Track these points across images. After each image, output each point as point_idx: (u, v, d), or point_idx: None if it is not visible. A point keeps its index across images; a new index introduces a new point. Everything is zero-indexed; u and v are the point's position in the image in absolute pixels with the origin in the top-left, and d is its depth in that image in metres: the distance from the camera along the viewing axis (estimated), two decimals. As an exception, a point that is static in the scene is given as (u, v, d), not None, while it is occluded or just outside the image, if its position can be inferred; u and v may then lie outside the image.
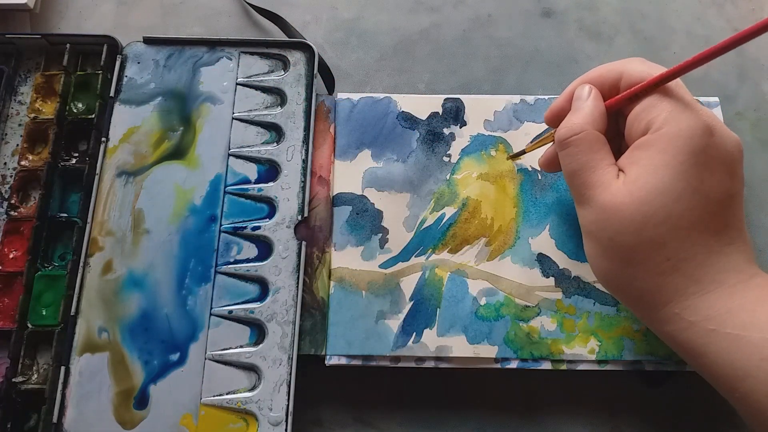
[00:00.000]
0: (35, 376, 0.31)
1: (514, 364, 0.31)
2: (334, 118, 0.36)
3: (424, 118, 0.36)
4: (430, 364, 0.31)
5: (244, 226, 0.33)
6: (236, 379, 0.31)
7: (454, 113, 0.36)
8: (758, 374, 0.23)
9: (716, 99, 0.36)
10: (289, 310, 0.32)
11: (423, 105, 0.36)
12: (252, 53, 0.37)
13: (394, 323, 0.32)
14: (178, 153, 0.34)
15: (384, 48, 0.40)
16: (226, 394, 0.30)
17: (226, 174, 0.34)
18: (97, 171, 0.34)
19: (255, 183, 0.34)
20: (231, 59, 0.37)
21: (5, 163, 0.35)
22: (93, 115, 0.35)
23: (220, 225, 0.33)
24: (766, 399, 0.22)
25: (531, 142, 0.35)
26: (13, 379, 0.30)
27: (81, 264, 0.32)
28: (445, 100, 0.36)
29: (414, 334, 0.31)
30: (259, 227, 0.33)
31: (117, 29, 0.40)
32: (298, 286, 0.32)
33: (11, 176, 0.34)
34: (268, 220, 0.33)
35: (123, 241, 0.33)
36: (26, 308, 0.32)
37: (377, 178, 0.34)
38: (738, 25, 0.41)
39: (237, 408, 0.30)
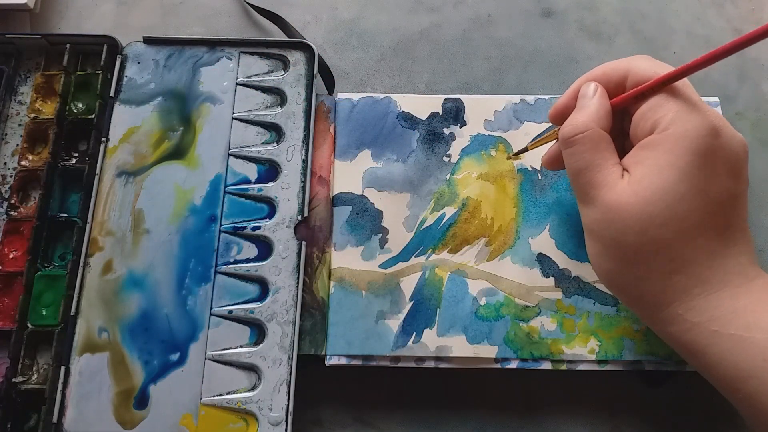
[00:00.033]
0: (35, 376, 0.31)
1: (514, 364, 0.31)
2: (334, 118, 0.36)
3: (424, 118, 0.36)
4: (430, 364, 0.31)
5: (244, 226, 0.33)
6: (236, 379, 0.31)
7: (454, 113, 0.36)
8: (762, 375, 0.23)
9: (716, 99, 0.36)
10: (289, 310, 0.32)
11: (423, 105, 0.36)
12: (252, 53, 0.37)
13: (394, 323, 0.32)
14: (178, 153, 0.34)
15: (384, 48, 0.40)
16: (226, 394, 0.30)
17: (226, 174, 0.34)
18: (97, 171, 0.34)
19: (255, 183, 0.34)
20: (231, 59, 0.37)
21: (5, 163, 0.35)
22: (93, 115, 0.35)
23: (220, 225, 0.33)
24: None
25: (532, 140, 0.35)
26: (13, 379, 0.30)
27: (81, 264, 0.32)
28: (445, 100, 0.36)
29: (414, 334, 0.31)
30: (259, 227, 0.33)
31: (117, 29, 0.40)
32: (298, 286, 0.32)
33: (11, 176, 0.34)
34: (268, 220, 0.33)
35: (123, 241, 0.33)
36: (26, 308, 0.32)
37: (377, 178, 0.34)
38: (738, 25, 0.41)
39: (237, 408, 0.30)
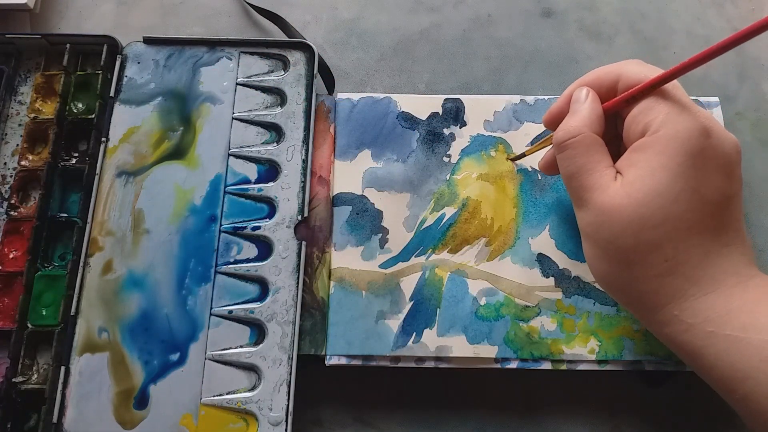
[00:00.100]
0: (35, 376, 0.31)
1: (514, 364, 0.31)
2: (334, 118, 0.36)
3: (424, 118, 0.36)
4: (430, 364, 0.31)
5: (244, 226, 0.33)
6: (236, 379, 0.31)
7: (454, 113, 0.36)
8: (758, 376, 0.23)
9: (716, 99, 0.36)
10: (289, 310, 0.32)
11: (423, 105, 0.36)
12: (252, 53, 0.37)
13: (394, 323, 0.32)
14: (178, 153, 0.34)
15: (384, 48, 0.40)
16: (226, 394, 0.30)
17: (226, 174, 0.34)
18: (97, 171, 0.34)
19: (255, 183, 0.34)
20: (231, 59, 0.37)
21: (5, 163, 0.35)
22: (93, 115, 0.35)
23: (220, 225, 0.33)
24: (766, 400, 0.22)
25: (530, 144, 0.35)
26: (13, 379, 0.30)
27: (81, 264, 0.32)
28: (445, 100, 0.36)
29: (414, 334, 0.31)
30: (259, 227, 0.33)
31: (117, 29, 0.40)
32: (298, 286, 0.32)
33: (11, 176, 0.34)
34: (268, 220, 0.33)
35: (123, 241, 0.33)
36: (26, 308, 0.32)
37: (377, 178, 0.34)
38: (738, 25, 0.41)
39: (237, 408, 0.30)
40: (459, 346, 0.31)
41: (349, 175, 0.34)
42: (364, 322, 0.32)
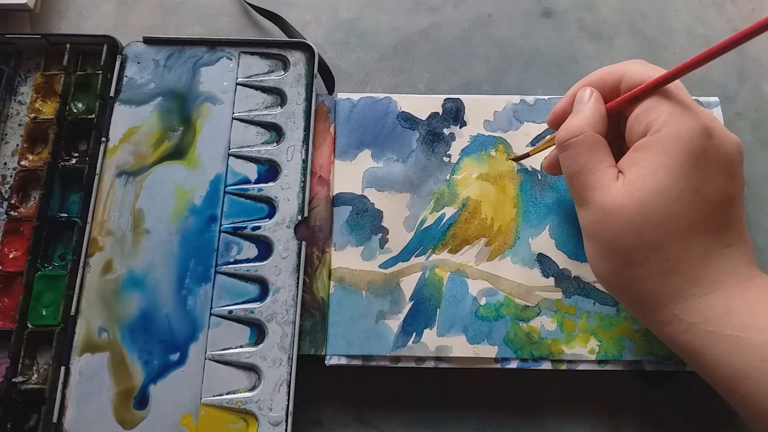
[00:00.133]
0: (35, 376, 0.31)
1: (514, 364, 0.31)
2: (334, 118, 0.36)
3: (424, 118, 0.36)
4: (430, 364, 0.31)
5: (244, 226, 0.33)
6: (236, 379, 0.31)
7: (454, 113, 0.36)
8: (758, 376, 0.23)
9: (716, 99, 0.36)
10: (289, 310, 0.32)
11: (423, 105, 0.36)
12: (252, 53, 0.37)
13: (394, 323, 0.32)
14: (178, 153, 0.34)
15: (384, 48, 0.40)
16: (226, 394, 0.30)
17: (226, 174, 0.34)
18: (97, 171, 0.34)
19: (255, 183, 0.34)
20: (231, 59, 0.37)
21: (5, 163, 0.35)
22: (93, 115, 0.35)
23: (220, 225, 0.33)
24: (766, 400, 0.22)
25: (531, 143, 0.35)
26: (13, 379, 0.30)
27: (81, 264, 0.32)
28: (445, 100, 0.36)
29: (414, 334, 0.31)
30: (259, 227, 0.33)
31: (117, 29, 0.40)
32: (298, 286, 0.32)
33: (11, 176, 0.34)
34: (268, 220, 0.33)
35: (123, 241, 0.33)
36: (26, 308, 0.32)
37: (377, 178, 0.34)
38: (738, 25, 0.41)
39: (237, 408, 0.30)
40: (459, 346, 0.31)
41: (349, 175, 0.34)
42: (364, 322, 0.32)
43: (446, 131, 0.35)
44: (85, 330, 0.31)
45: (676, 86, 0.26)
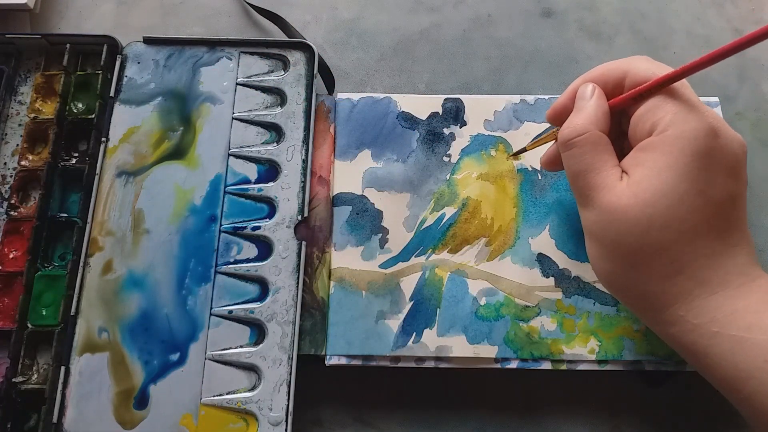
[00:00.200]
0: (35, 376, 0.31)
1: (514, 364, 0.31)
2: (334, 118, 0.36)
3: (424, 118, 0.36)
4: (430, 364, 0.31)
5: (244, 226, 0.33)
6: (236, 379, 0.31)
7: (454, 113, 0.36)
8: (762, 376, 0.23)
9: (716, 99, 0.36)
10: (289, 310, 0.32)
11: (423, 105, 0.36)
12: (252, 53, 0.37)
13: (394, 323, 0.32)
14: (178, 153, 0.34)
15: (384, 48, 0.40)
16: (226, 394, 0.30)
17: (226, 174, 0.34)
18: (97, 171, 0.34)
19: (255, 183, 0.34)
20: (231, 59, 0.37)
21: (5, 163, 0.35)
22: (93, 115, 0.35)
23: (220, 225, 0.33)
24: None
25: (531, 141, 0.35)
26: (13, 379, 0.30)
27: (81, 264, 0.32)
28: (445, 100, 0.36)
29: (414, 334, 0.31)
30: (259, 227, 0.33)
31: (117, 29, 0.40)
32: (298, 286, 0.32)
33: (11, 176, 0.34)
34: (268, 220, 0.33)
35: (123, 241, 0.33)
36: (26, 308, 0.32)
37: (377, 178, 0.34)
38: (738, 25, 0.41)
39: (237, 408, 0.30)
40: (459, 346, 0.31)
41: (349, 175, 0.34)
42: (364, 322, 0.32)
43: (446, 131, 0.35)
44: (85, 330, 0.31)
45: (682, 85, 0.25)
